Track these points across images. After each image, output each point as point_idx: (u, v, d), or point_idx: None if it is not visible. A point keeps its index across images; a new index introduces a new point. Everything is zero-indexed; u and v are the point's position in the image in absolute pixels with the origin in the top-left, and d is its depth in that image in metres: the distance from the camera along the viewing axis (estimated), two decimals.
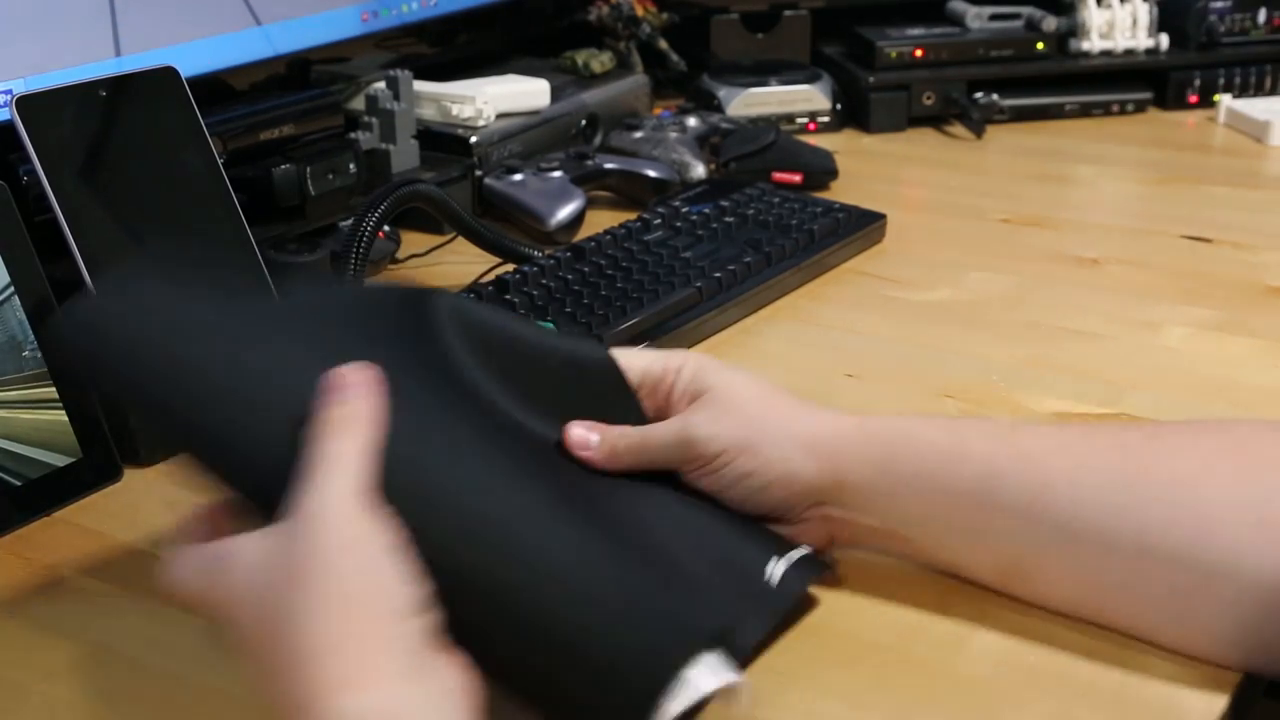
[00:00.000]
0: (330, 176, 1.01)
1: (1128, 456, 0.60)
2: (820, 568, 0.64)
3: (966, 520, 0.62)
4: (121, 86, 0.83)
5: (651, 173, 1.18)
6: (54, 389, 0.75)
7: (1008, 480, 0.61)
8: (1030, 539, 0.61)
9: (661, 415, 0.67)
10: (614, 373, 0.68)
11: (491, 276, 0.97)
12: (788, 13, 1.50)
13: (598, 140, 1.27)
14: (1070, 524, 0.59)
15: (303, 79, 1.17)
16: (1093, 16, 1.44)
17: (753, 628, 0.60)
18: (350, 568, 0.49)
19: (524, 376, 0.65)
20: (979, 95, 1.41)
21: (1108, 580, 0.60)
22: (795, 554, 0.64)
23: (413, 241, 1.09)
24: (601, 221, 1.09)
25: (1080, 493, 0.60)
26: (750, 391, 0.66)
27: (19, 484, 0.73)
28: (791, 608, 0.62)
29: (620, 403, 0.67)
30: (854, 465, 0.63)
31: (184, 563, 0.53)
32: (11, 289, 0.75)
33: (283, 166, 0.98)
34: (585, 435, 0.65)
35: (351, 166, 1.02)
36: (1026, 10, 1.45)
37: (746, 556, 0.63)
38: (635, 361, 0.68)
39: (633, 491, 0.64)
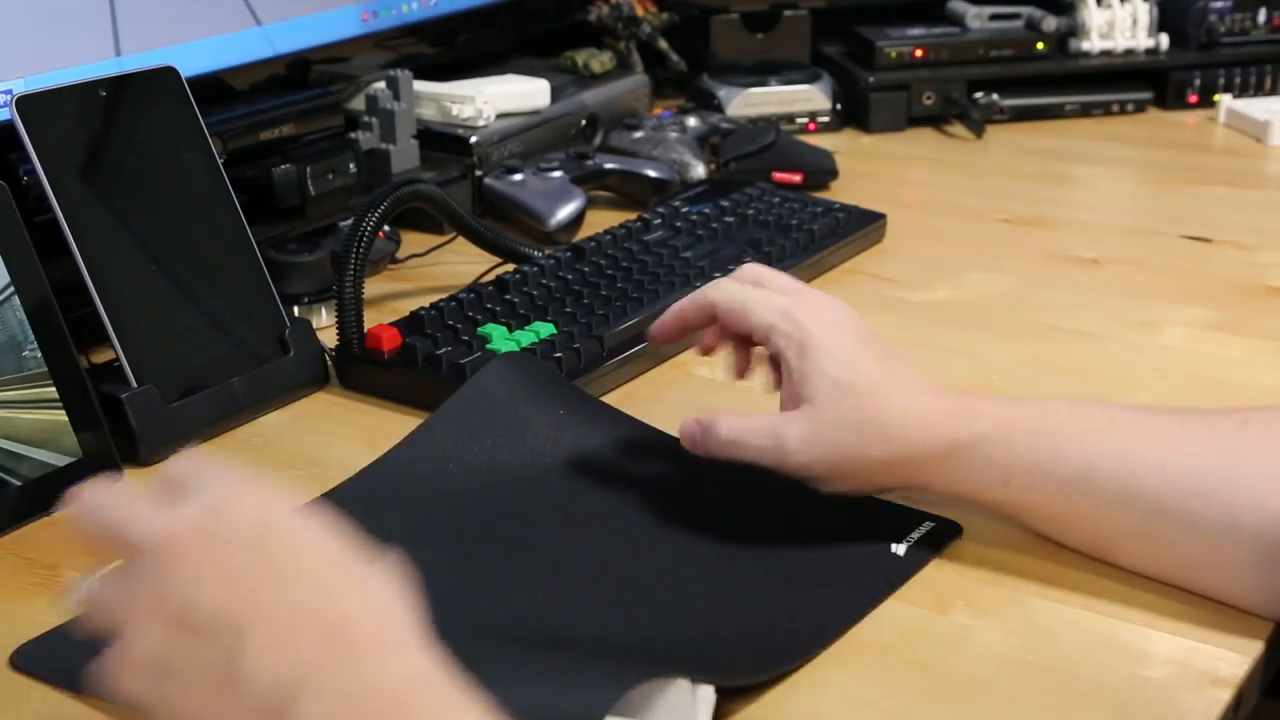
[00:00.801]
0: (330, 176, 1.01)
1: (1217, 442, 0.63)
2: (949, 534, 0.69)
3: (1058, 511, 0.65)
4: (121, 86, 0.84)
5: (651, 173, 1.18)
6: (54, 389, 0.75)
7: (1099, 477, 0.63)
8: (1119, 525, 0.64)
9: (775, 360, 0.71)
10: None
11: (491, 276, 0.97)
12: (788, 13, 1.50)
13: (598, 140, 1.27)
14: (1158, 507, 0.62)
15: (303, 79, 1.17)
16: (1093, 16, 1.44)
17: (880, 591, 0.65)
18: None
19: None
20: (979, 95, 1.41)
21: (1193, 555, 0.63)
22: (916, 534, 0.68)
23: (413, 241, 1.09)
24: (601, 221, 1.09)
25: (1170, 480, 0.62)
26: (849, 402, 0.66)
27: (19, 484, 0.73)
28: (916, 572, 0.67)
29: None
30: (941, 468, 0.66)
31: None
32: (11, 289, 0.75)
33: (283, 166, 0.98)
34: (690, 434, 0.70)
35: (351, 166, 1.02)
36: (1026, 10, 1.44)
37: (864, 544, 0.68)
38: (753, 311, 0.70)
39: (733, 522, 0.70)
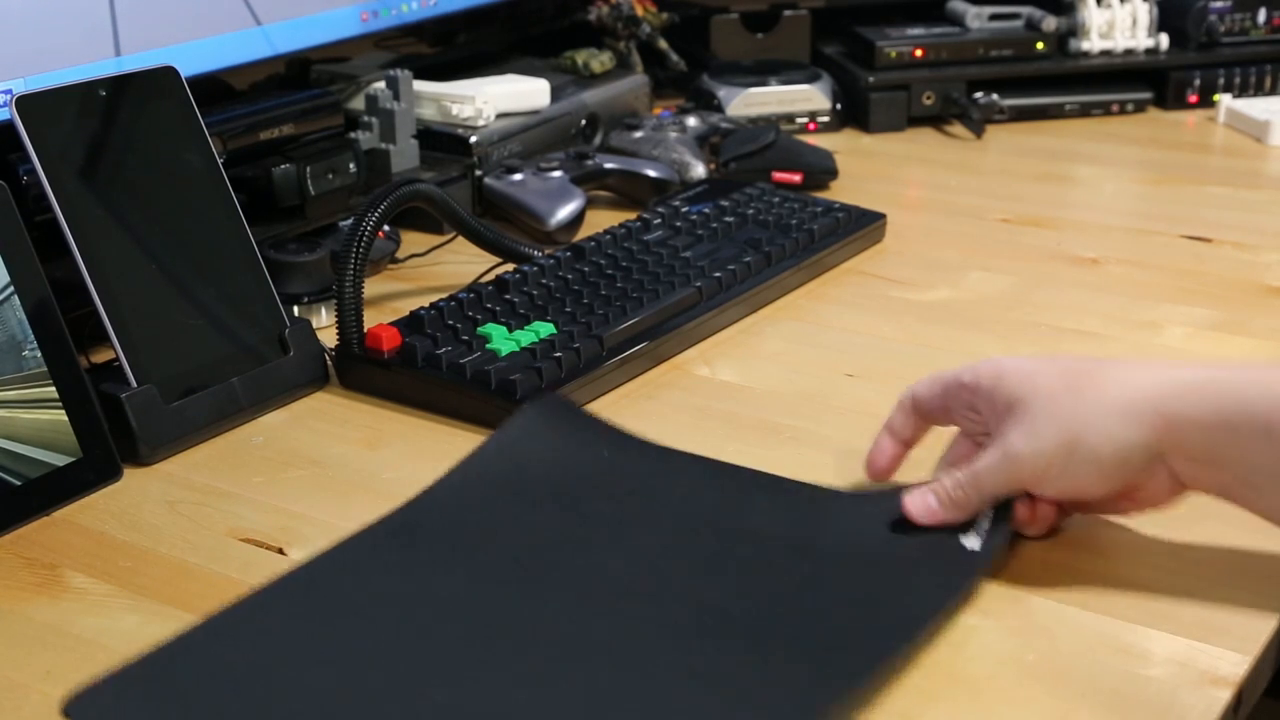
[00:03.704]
0: (330, 176, 1.01)
1: None
2: (1008, 534, 0.67)
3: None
4: (121, 86, 0.84)
5: (651, 173, 1.18)
6: (54, 389, 0.75)
7: None
8: None
9: (977, 430, 0.69)
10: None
11: (491, 276, 0.97)
12: (788, 13, 1.50)
13: (598, 140, 1.27)
14: None
15: (303, 79, 1.17)
16: (1093, 16, 1.44)
17: (960, 582, 0.64)
18: None
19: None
20: (979, 95, 1.41)
21: None
22: (985, 522, 0.67)
23: (413, 241, 1.09)
24: (601, 221, 1.09)
25: None
26: (1058, 383, 0.64)
27: (19, 484, 0.73)
28: (992, 563, 0.66)
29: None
30: (1192, 424, 0.62)
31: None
32: (11, 289, 0.75)
33: (283, 166, 0.98)
34: (925, 503, 0.67)
35: (351, 166, 1.02)
36: (1026, 10, 1.44)
37: (933, 540, 0.67)
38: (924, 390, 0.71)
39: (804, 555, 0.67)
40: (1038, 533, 0.68)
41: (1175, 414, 0.62)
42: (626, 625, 0.62)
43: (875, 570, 0.65)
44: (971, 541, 0.66)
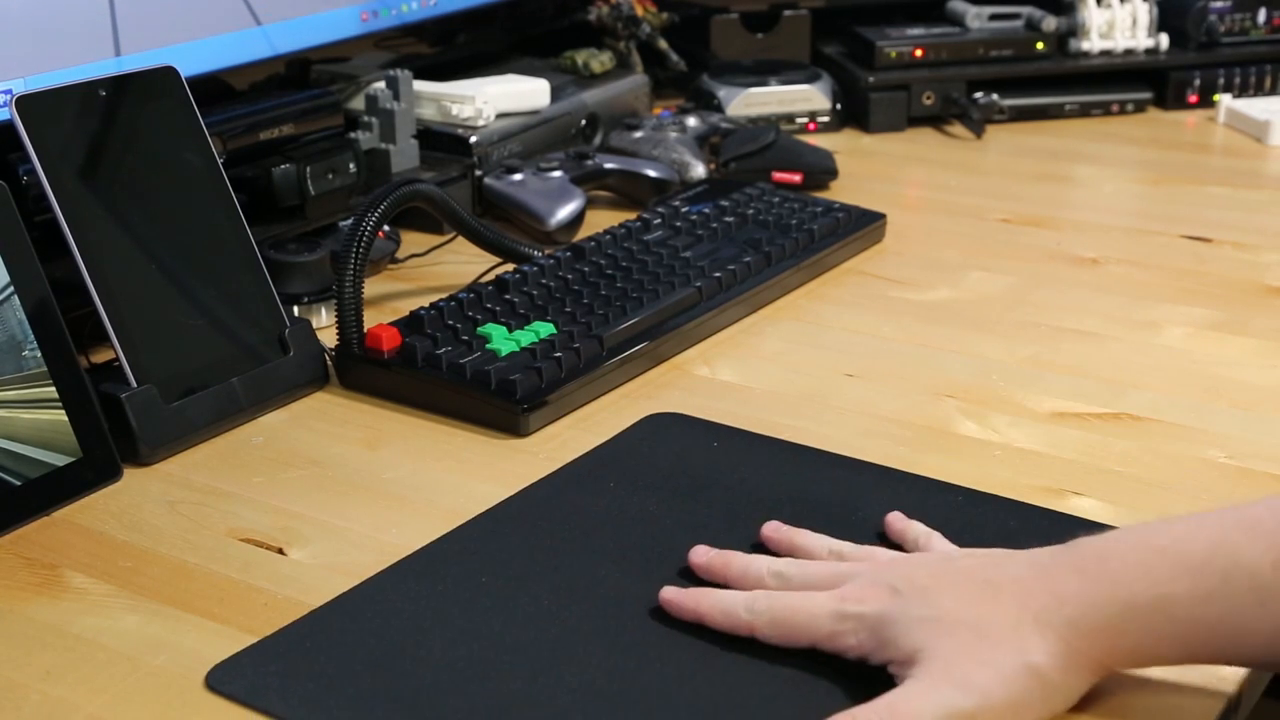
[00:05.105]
0: (330, 176, 1.01)
1: None
2: None
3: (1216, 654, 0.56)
4: (121, 86, 0.84)
5: (651, 173, 1.18)
6: (54, 389, 0.75)
7: (1250, 636, 0.55)
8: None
9: None
10: None
11: (491, 276, 0.97)
12: (788, 13, 1.50)
13: (598, 140, 1.27)
14: None
15: (302, 79, 1.17)
16: (1093, 16, 1.44)
17: None
18: None
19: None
20: (979, 95, 1.41)
21: None
22: None
23: (413, 241, 1.09)
24: (601, 221, 1.09)
25: None
26: (964, 640, 0.56)
27: (19, 484, 0.73)
28: None
29: None
30: (1110, 657, 0.57)
31: None
32: (11, 289, 0.75)
33: (283, 166, 0.98)
34: None
35: (351, 166, 1.02)
36: (1026, 10, 1.44)
37: None
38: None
39: None
40: None
41: (1096, 659, 0.57)
42: None
43: None
44: None
